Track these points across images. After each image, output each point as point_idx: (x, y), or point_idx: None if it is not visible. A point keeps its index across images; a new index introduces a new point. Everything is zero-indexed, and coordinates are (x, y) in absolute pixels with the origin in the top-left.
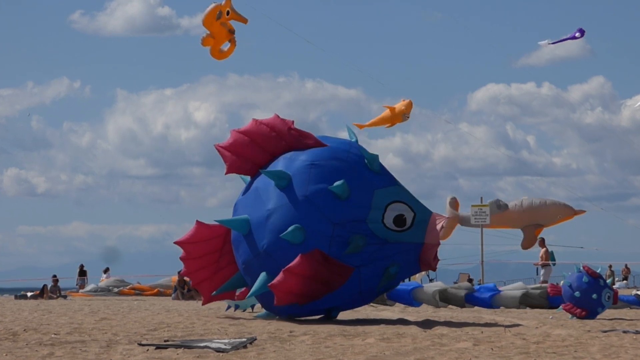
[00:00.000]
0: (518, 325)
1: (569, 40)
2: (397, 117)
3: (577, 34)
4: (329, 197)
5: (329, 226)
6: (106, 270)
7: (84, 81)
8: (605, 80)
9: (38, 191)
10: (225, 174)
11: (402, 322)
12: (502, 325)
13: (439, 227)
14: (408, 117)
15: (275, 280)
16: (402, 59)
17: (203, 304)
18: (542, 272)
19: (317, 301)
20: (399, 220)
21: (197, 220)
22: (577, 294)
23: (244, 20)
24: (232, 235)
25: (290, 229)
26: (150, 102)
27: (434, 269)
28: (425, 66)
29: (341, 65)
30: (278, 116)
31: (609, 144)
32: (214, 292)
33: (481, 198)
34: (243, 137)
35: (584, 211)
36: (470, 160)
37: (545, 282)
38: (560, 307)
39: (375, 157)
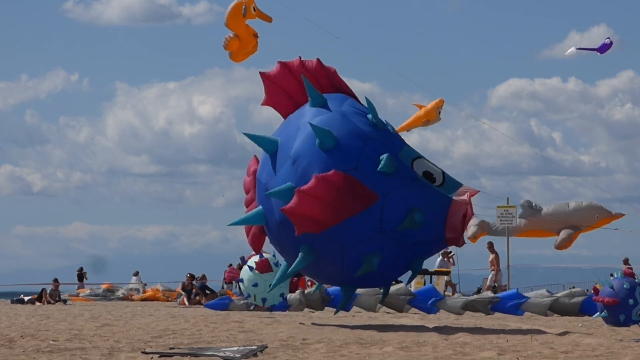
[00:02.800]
0: (545, 333)
1: (594, 40)
2: (432, 114)
3: (607, 43)
4: (364, 119)
5: (361, 138)
6: (136, 274)
7: (81, 74)
8: (635, 74)
9: (34, 190)
10: (262, 104)
11: (422, 329)
12: (529, 333)
13: (468, 195)
14: (440, 118)
15: (288, 205)
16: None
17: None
18: (490, 276)
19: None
20: (429, 176)
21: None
22: (608, 283)
23: (269, 19)
24: (260, 164)
25: (321, 132)
26: (152, 96)
27: (459, 240)
28: (443, 59)
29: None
30: (319, 60)
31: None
32: (230, 223)
33: (507, 199)
34: (289, 72)
35: (623, 214)
36: (492, 158)
37: (492, 287)
38: (592, 299)
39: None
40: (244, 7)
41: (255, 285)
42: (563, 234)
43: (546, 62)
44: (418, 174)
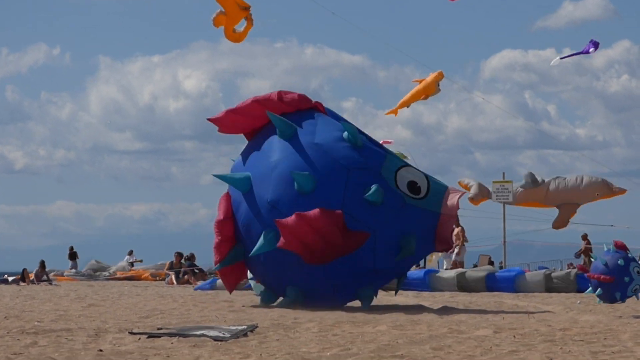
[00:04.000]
0: (543, 310)
1: (588, 10)
2: (431, 87)
3: (591, 49)
4: (340, 143)
5: (343, 172)
6: (130, 253)
7: (63, 47)
8: (632, 44)
9: (16, 167)
10: (219, 131)
11: (417, 308)
12: (526, 311)
13: (455, 200)
14: (439, 90)
15: (284, 220)
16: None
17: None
18: (455, 253)
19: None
20: (413, 187)
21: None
22: (602, 260)
23: None
24: (232, 194)
25: (300, 177)
26: (136, 70)
27: (450, 247)
28: (435, 30)
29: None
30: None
31: (637, 113)
32: (215, 267)
33: (503, 173)
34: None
35: (625, 190)
36: (486, 132)
37: (459, 263)
38: (585, 275)
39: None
40: None
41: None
42: (561, 212)
43: (540, 32)
44: (403, 191)
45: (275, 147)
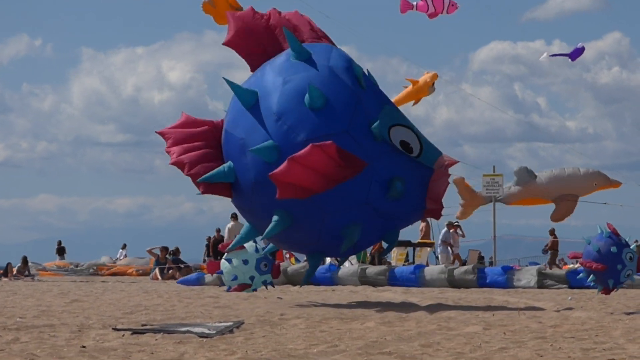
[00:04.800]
0: (533, 306)
1: (578, 1)
2: (423, 90)
3: (580, 46)
4: (351, 74)
5: (353, 97)
6: (123, 247)
7: (45, 38)
8: (623, 36)
9: None
10: (224, 43)
11: (406, 304)
12: (516, 308)
13: (448, 163)
14: (434, 89)
15: (277, 170)
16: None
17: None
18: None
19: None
20: (405, 146)
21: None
22: (594, 246)
23: None
24: (230, 115)
25: (314, 90)
26: (119, 62)
27: (440, 208)
28: (423, 22)
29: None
30: (299, 13)
31: (628, 106)
32: (200, 179)
33: (493, 167)
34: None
35: (620, 183)
36: (475, 125)
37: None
38: (577, 263)
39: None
40: None
41: (235, 279)
42: (559, 204)
43: (529, 24)
44: (395, 145)
45: (287, 68)
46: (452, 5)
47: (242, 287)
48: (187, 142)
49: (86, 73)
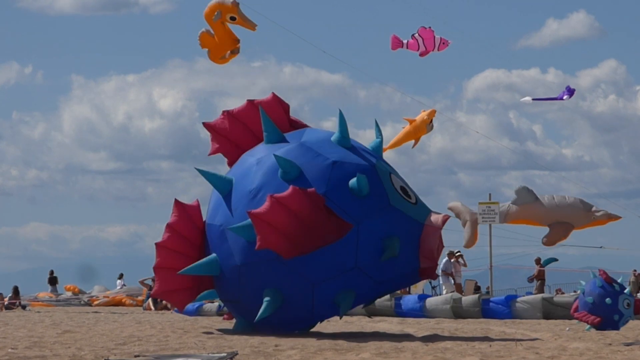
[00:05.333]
0: (531, 337)
1: (573, 28)
2: (422, 128)
3: (565, 96)
4: (327, 143)
5: (328, 165)
6: (120, 277)
7: (35, 66)
8: (618, 64)
9: None
10: (209, 154)
11: (401, 335)
12: (513, 339)
13: (439, 218)
14: (432, 127)
15: (257, 209)
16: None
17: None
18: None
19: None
20: (405, 192)
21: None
22: (589, 299)
23: (252, 27)
24: (210, 207)
25: (285, 162)
26: (110, 89)
27: (434, 264)
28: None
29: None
30: (275, 95)
31: (624, 134)
32: (182, 271)
33: (489, 195)
34: (234, 119)
35: (620, 217)
36: (470, 153)
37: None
38: (574, 315)
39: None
40: (218, 11)
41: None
42: (553, 229)
43: (523, 51)
44: (396, 189)
45: (261, 149)
46: (443, 43)
47: (231, 317)
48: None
49: (77, 101)
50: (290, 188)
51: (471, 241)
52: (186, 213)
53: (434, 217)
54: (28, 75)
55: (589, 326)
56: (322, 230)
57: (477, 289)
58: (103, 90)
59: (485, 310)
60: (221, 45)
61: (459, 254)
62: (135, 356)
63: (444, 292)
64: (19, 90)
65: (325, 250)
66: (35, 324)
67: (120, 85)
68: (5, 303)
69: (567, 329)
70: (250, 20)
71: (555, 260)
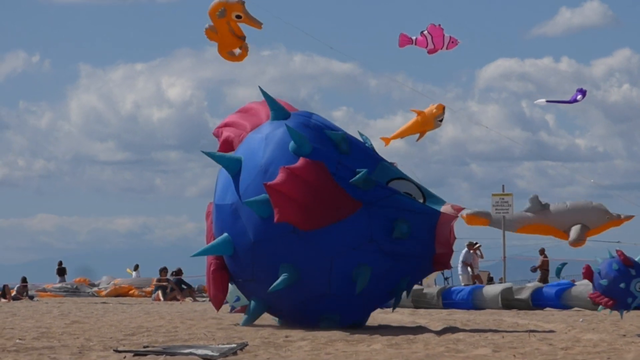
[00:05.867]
0: (544, 328)
1: (587, 16)
2: (429, 123)
3: (579, 97)
4: (330, 146)
5: (335, 152)
6: (136, 268)
7: (43, 54)
8: (633, 52)
9: None
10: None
11: (414, 326)
12: (526, 330)
13: (452, 209)
14: (441, 122)
15: (273, 182)
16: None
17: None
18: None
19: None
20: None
21: None
22: (603, 281)
23: (258, 25)
24: (217, 190)
25: (298, 136)
26: (117, 78)
27: (448, 264)
28: None
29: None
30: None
31: (639, 124)
32: (195, 253)
33: (503, 186)
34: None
35: (633, 216)
36: (482, 143)
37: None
38: (588, 295)
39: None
40: (222, 8)
41: (237, 299)
42: (576, 229)
43: (536, 40)
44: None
45: (267, 126)
46: (452, 42)
47: (245, 309)
48: None
49: (84, 90)
50: (301, 159)
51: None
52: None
53: (448, 208)
54: (35, 63)
55: (600, 307)
56: (336, 201)
57: (489, 280)
58: (111, 79)
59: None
60: (224, 43)
61: (477, 245)
62: (144, 347)
63: (462, 283)
64: (25, 79)
65: (341, 223)
66: (43, 314)
67: (128, 74)
68: (13, 294)
69: (581, 320)
70: (255, 19)
71: (565, 263)
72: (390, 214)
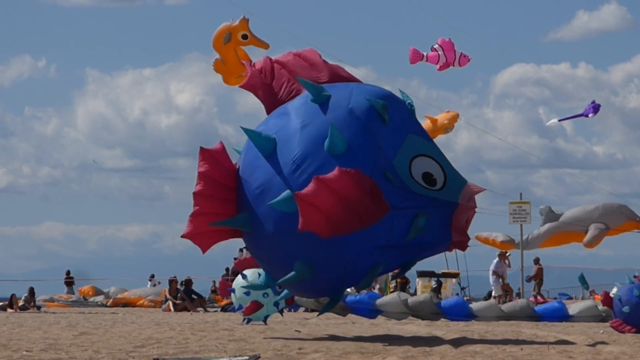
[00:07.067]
0: (564, 340)
1: (604, 20)
2: (439, 130)
3: (590, 114)
4: (372, 113)
5: (375, 140)
6: (152, 278)
7: (49, 59)
8: None
9: None
10: (241, 86)
11: (430, 337)
12: (545, 342)
13: (475, 195)
14: (450, 131)
15: (303, 190)
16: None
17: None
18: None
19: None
20: (428, 178)
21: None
22: (625, 309)
23: (265, 46)
24: (245, 160)
25: (337, 135)
26: (125, 84)
27: (466, 239)
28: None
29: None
30: (315, 51)
31: None
32: (215, 223)
33: (520, 194)
34: (277, 66)
35: None
36: (498, 150)
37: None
38: (608, 323)
39: (411, 101)
40: (227, 33)
41: (247, 294)
42: (593, 230)
43: (553, 45)
44: (416, 180)
45: (306, 110)
46: (464, 57)
47: (254, 306)
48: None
49: (91, 95)
50: (337, 170)
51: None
52: (215, 159)
53: (467, 192)
54: (41, 68)
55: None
56: (363, 212)
57: (506, 290)
58: (118, 84)
59: None
60: (233, 71)
61: (508, 254)
62: (154, 359)
63: (494, 293)
64: (31, 84)
65: (362, 230)
66: (50, 325)
67: (136, 79)
68: (20, 304)
69: (602, 331)
70: (261, 40)
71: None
72: (409, 214)
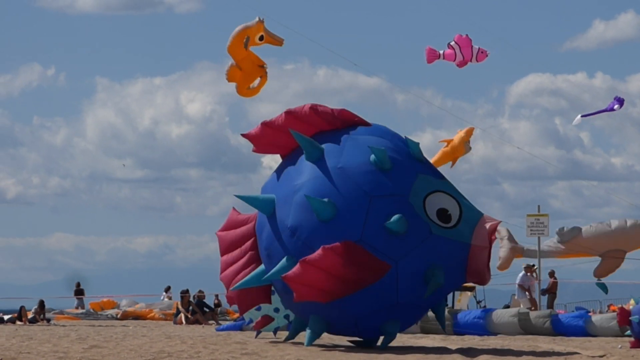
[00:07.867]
0: (580, 355)
1: (621, 30)
2: (460, 149)
3: (616, 106)
4: (366, 167)
5: (365, 199)
6: (167, 289)
7: (58, 68)
8: None
9: (8, 197)
10: (254, 151)
11: (443, 351)
12: (561, 353)
13: (489, 229)
14: (471, 147)
15: (290, 272)
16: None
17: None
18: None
19: (347, 310)
20: (443, 215)
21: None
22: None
23: (279, 43)
24: (257, 221)
25: (319, 204)
26: (136, 93)
27: (485, 282)
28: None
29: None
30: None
31: None
32: (232, 287)
33: (538, 206)
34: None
35: None
36: (514, 162)
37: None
38: (628, 343)
39: (416, 144)
40: (246, 37)
41: (259, 309)
42: (604, 260)
43: (569, 55)
44: (432, 219)
45: (301, 169)
46: (482, 52)
47: (265, 320)
48: (232, 248)
49: (101, 104)
50: (321, 249)
51: (504, 266)
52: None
53: (481, 233)
54: (50, 77)
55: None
56: (357, 278)
57: None
58: (129, 93)
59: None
60: (249, 76)
61: (535, 267)
62: None
63: (521, 306)
64: (40, 93)
65: (366, 289)
66: (60, 338)
67: (146, 88)
68: (30, 316)
69: (620, 346)
70: (277, 36)
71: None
72: (421, 265)
